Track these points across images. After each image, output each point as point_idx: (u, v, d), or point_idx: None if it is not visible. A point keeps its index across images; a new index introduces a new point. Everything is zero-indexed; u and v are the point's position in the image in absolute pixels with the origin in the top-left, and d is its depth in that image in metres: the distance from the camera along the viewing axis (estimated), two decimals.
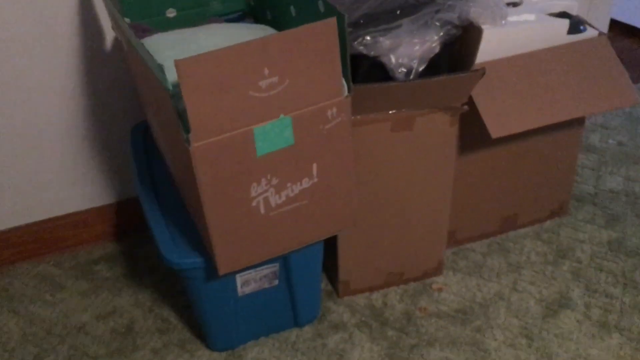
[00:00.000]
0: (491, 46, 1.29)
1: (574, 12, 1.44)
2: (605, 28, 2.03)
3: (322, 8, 1.04)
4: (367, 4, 1.17)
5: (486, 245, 1.57)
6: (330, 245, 1.34)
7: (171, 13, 1.38)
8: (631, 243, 1.55)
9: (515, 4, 1.45)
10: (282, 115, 0.97)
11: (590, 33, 1.38)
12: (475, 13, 1.15)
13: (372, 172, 1.26)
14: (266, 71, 0.91)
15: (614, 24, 2.67)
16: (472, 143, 1.37)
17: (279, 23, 1.27)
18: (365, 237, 1.35)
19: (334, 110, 1.01)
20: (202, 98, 0.88)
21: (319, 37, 0.94)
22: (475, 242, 1.59)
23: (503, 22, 1.17)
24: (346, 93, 1.01)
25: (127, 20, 1.34)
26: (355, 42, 1.12)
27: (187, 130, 0.89)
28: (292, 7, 1.18)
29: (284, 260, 1.18)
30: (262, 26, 1.28)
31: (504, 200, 1.54)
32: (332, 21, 0.94)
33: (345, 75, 1.00)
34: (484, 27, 1.18)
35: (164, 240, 1.12)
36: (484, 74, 1.15)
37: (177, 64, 0.83)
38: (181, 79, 0.84)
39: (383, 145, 1.23)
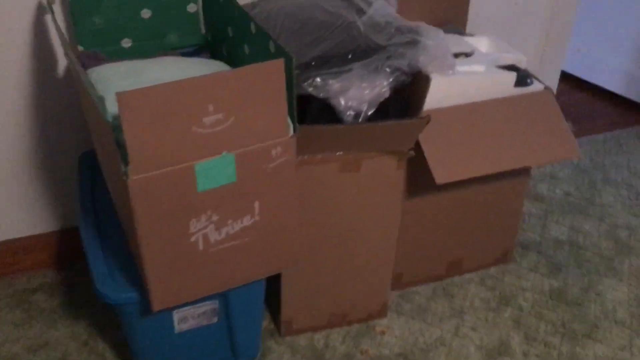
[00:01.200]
0: (440, 94, 1.33)
1: (522, 65, 1.49)
2: (555, 81, 2.10)
3: (272, 49, 1.05)
4: (321, 47, 1.19)
5: (431, 289, 1.58)
6: (274, 283, 1.33)
7: (127, 43, 1.38)
8: (572, 293, 1.58)
9: (467, 55, 1.49)
10: (225, 153, 0.97)
11: (536, 87, 1.43)
12: (424, 62, 1.18)
13: (318, 212, 1.27)
14: (211, 108, 0.91)
15: (567, 78, 2.77)
16: (419, 187, 1.39)
17: (234, 60, 1.28)
18: (309, 276, 1.34)
19: (279, 149, 1.02)
20: (143, 131, 0.87)
21: (266, 77, 0.95)
22: (420, 285, 1.60)
23: (451, 72, 1.20)
24: (291, 133, 1.02)
25: (81, 48, 1.33)
26: (306, 83, 1.13)
27: (126, 162, 0.88)
28: (245, 46, 1.20)
29: (224, 298, 1.17)
30: (217, 62, 1.29)
31: (450, 245, 1.56)
32: (280, 62, 0.95)
33: (291, 115, 1.01)
34: (432, 76, 1.21)
35: (100, 273, 1.10)
36: (429, 121, 1.18)
37: (119, 96, 0.82)
38: (122, 111, 0.84)
39: (330, 186, 1.24)
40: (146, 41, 1.39)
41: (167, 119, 0.88)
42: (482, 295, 1.57)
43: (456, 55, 1.49)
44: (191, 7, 1.40)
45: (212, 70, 1.23)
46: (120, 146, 0.89)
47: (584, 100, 2.63)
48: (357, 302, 1.44)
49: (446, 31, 1.64)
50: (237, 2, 1.19)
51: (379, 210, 1.32)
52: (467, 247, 1.59)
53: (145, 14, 1.36)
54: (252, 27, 1.12)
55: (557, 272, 1.65)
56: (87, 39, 1.33)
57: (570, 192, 1.97)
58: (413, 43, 1.19)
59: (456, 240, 1.56)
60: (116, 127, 0.88)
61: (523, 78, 1.42)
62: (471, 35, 1.64)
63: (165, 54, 1.37)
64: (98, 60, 1.30)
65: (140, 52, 1.37)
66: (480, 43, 1.58)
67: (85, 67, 1.23)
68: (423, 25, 1.23)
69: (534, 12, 1.87)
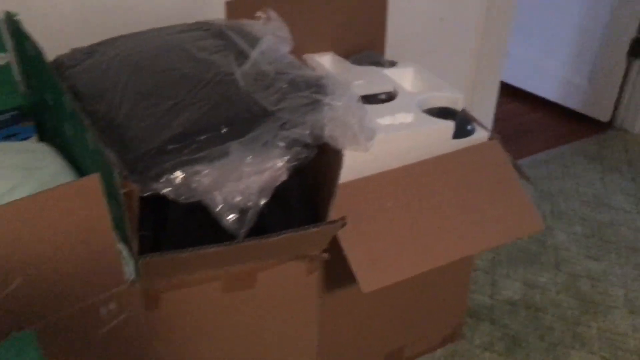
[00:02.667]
0: (359, 161, 0.98)
1: (459, 106, 1.16)
2: (494, 98, 1.80)
3: (91, 144, 0.67)
4: (181, 118, 0.81)
5: None
6: None
7: None
8: None
9: (389, 97, 1.16)
10: (14, 332, 0.59)
11: (479, 135, 1.11)
12: (331, 133, 0.83)
13: (205, 348, 0.90)
14: None
15: (501, 86, 2.50)
16: (341, 276, 1.04)
17: (59, 138, 0.89)
18: None
19: (112, 305, 0.65)
20: None
21: (75, 203, 0.58)
22: None
23: (370, 144, 0.86)
24: (131, 276, 0.64)
25: None
26: (159, 182, 0.75)
27: None
28: (66, 124, 0.81)
29: None
30: (35, 146, 0.89)
31: (387, 334, 1.23)
32: (93, 180, 0.57)
33: (131, 246, 0.64)
34: (345, 149, 0.86)
35: None
36: (344, 224, 0.83)
37: None
38: None
39: (211, 314, 0.87)
40: None
41: None
42: None
43: (375, 99, 1.15)
44: (0, 58, 0.98)
45: (27, 162, 0.83)
46: None
47: (520, 111, 2.37)
48: None
49: (361, 60, 1.30)
50: (46, 63, 0.80)
51: (288, 323, 0.96)
52: (408, 332, 1.26)
53: None
54: (66, 104, 0.74)
55: (515, 348, 1.35)
56: None
57: None
58: (313, 105, 0.84)
59: (394, 327, 1.23)
60: None
61: (462, 125, 1.10)
62: (392, 63, 1.30)
63: None
64: None
65: None
66: (404, 76, 1.25)
67: None
68: (326, 76, 0.88)
69: (463, 25, 1.55)
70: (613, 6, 2.05)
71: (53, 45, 1.01)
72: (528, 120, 2.30)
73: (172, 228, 0.81)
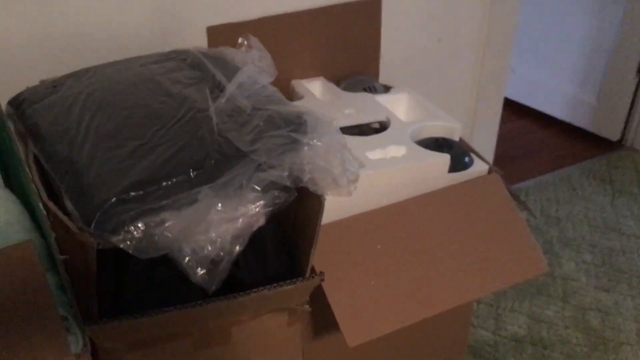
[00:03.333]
0: (346, 199, 0.91)
1: (456, 135, 1.09)
2: (497, 118, 1.72)
3: (34, 200, 0.61)
4: (144, 162, 0.75)
5: None
6: None
7: None
8: None
9: (381, 126, 1.09)
10: None
11: (477, 167, 1.03)
12: (311, 176, 0.75)
13: None
14: None
15: (507, 104, 2.43)
16: (332, 320, 0.97)
17: (16, 181, 0.82)
18: None
19: None
20: None
21: (13, 268, 0.51)
22: None
23: (353, 188, 0.78)
24: (79, 348, 0.57)
25: None
26: (117, 236, 0.68)
27: None
28: (20, 170, 0.74)
29: None
30: None
31: None
32: (29, 246, 0.51)
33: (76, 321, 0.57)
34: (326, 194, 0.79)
35: None
36: (322, 279, 0.76)
37: None
38: None
39: None
40: None
41: None
42: None
43: (367, 128, 1.09)
44: None
45: None
46: None
47: (523, 130, 2.29)
48: None
49: (353, 86, 1.23)
50: None
51: None
52: None
53: None
54: (15, 150, 0.67)
55: None
56: None
57: None
58: (291, 145, 0.77)
59: None
60: None
61: (459, 158, 1.02)
62: (387, 88, 1.23)
63: None
64: None
65: None
66: (398, 103, 1.18)
67: None
68: (307, 112, 0.81)
69: (462, 44, 1.48)
70: (621, 23, 1.97)
71: (21, 77, 0.95)
72: (535, 138, 2.22)
73: (134, 285, 0.74)
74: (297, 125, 0.79)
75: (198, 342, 0.78)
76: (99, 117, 0.81)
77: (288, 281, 0.74)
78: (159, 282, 0.75)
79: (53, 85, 0.90)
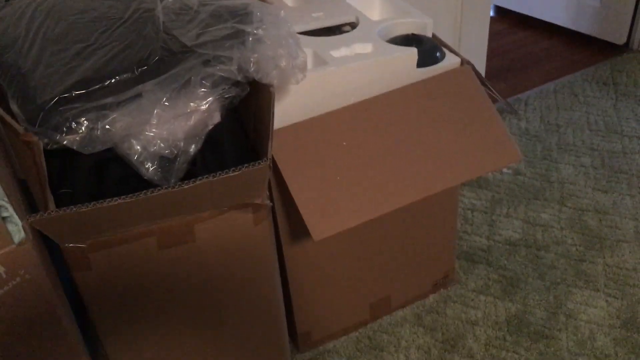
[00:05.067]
0: (312, 98, 0.90)
1: (427, 31, 1.06)
2: (485, 23, 1.65)
3: None
4: (88, 63, 0.74)
5: (353, 343, 1.19)
6: None
7: None
8: (535, 320, 1.20)
9: (351, 26, 1.06)
10: None
11: (449, 61, 1.00)
12: (258, 67, 0.74)
13: (147, 310, 0.84)
14: None
15: (502, 14, 2.35)
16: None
17: None
18: None
19: (1, 269, 0.59)
20: None
21: None
22: (338, 339, 1.20)
23: (301, 76, 0.76)
24: (20, 237, 0.58)
25: None
26: (61, 133, 0.68)
27: None
28: None
29: None
30: None
31: (370, 283, 1.16)
32: None
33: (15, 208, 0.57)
34: (274, 84, 0.77)
35: None
36: (269, 166, 0.75)
37: None
38: None
39: (150, 270, 0.81)
40: None
41: None
42: (420, 340, 1.18)
43: (338, 30, 1.06)
44: None
45: None
46: None
47: (527, 40, 2.21)
48: None
49: None
50: None
51: (239, 283, 0.90)
52: (393, 280, 1.19)
53: None
54: None
55: (513, 290, 1.26)
56: None
57: (520, 169, 1.57)
58: (237, 38, 0.75)
59: (377, 275, 1.16)
60: None
61: (429, 53, 0.99)
62: None
63: None
64: None
65: None
66: (370, 4, 1.14)
67: None
68: (253, 4, 0.78)
69: None
70: None
71: None
72: (537, 49, 2.15)
73: (88, 184, 0.75)
74: (242, 16, 0.77)
75: (162, 241, 0.79)
76: (47, 25, 0.81)
77: (235, 168, 0.73)
78: (114, 183, 0.76)
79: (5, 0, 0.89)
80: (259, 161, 0.74)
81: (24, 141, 0.67)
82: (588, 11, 2.08)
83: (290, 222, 0.97)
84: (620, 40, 2.04)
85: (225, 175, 0.72)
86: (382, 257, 1.13)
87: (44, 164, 0.69)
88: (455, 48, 1.58)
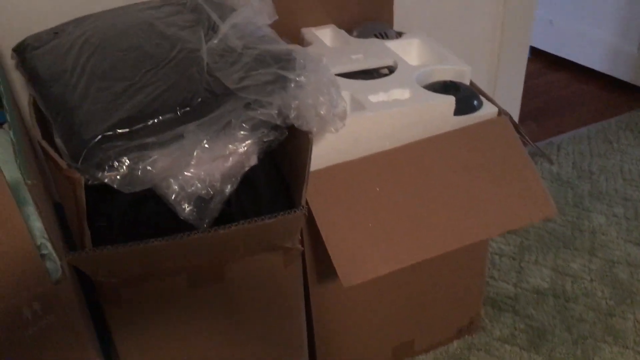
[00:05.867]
0: (346, 143, 0.90)
1: (466, 78, 1.06)
2: (523, 62, 1.64)
3: (14, 134, 0.62)
4: (133, 101, 0.75)
5: None
6: None
7: None
8: None
9: (389, 70, 1.06)
10: None
11: (487, 111, 1.00)
12: (298, 113, 0.74)
13: (174, 346, 0.85)
14: None
15: (538, 55, 2.34)
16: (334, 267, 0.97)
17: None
18: None
19: (36, 306, 0.60)
20: None
21: None
22: None
23: (341, 125, 0.77)
24: (58, 275, 0.59)
25: None
26: (102, 171, 0.70)
27: None
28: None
29: None
30: None
31: (394, 326, 1.15)
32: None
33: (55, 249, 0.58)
34: (313, 131, 0.78)
35: None
36: (305, 214, 0.75)
37: None
38: None
39: (180, 308, 0.81)
40: None
41: None
42: None
43: (376, 73, 1.06)
44: None
45: None
46: None
47: (561, 83, 2.20)
48: None
49: (365, 32, 1.21)
50: None
51: (266, 323, 0.90)
52: (418, 324, 1.17)
53: None
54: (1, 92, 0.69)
55: (540, 341, 1.24)
56: None
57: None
58: (279, 83, 0.76)
59: (402, 318, 1.15)
60: None
61: (466, 101, 0.99)
62: (399, 34, 1.20)
63: None
64: None
65: None
66: (409, 49, 1.15)
67: None
68: (296, 50, 0.79)
69: None
70: None
71: (25, 26, 0.97)
72: (573, 92, 2.14)
73: (126, 222, 0.76)
74: (285, 62, 0.78)
75: (192, 279, 0.80)
76: (94, 60, 0.83)
77: (270, 215, 0.74)
78: (150, 220, 0.77)
79: (54, 32, 0.92)
80: (295, 209, 0.74)
81: (67, 177, 0.69)
82: (625, 57, 2.06)
83: (317, 262, 0.97)
84: None
85: (260, 223, 0.72)
86: (409, 301, 1.12)
87: (84, 200, 0.70)
88: (491, 90, 1.58)
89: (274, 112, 0.76)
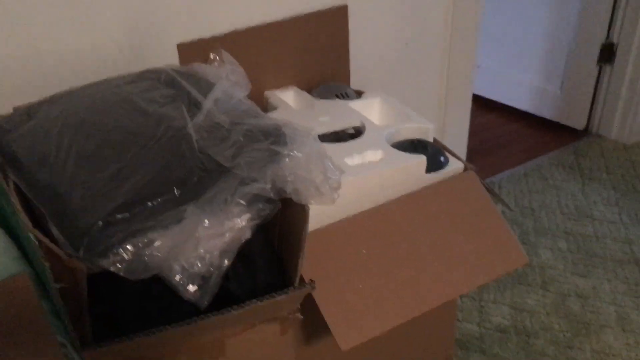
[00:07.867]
0: (326, 207, 0.93)
1: (429, 136, 1.12)
2: (467, 110, 1.74)
3: (22, 229, 0.61)
4: (128, 184, 0.75)
5: None
6: None
7: None
8: None
9: (356, 132, 1.10)
10: None
11: (453, 166, 1.06)
12: (294, 187, 0.77)
13: None
14: None
15: (474, 99, 2.47)
16: (322, 324, 0.98)
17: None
18: None
19: None
20: None
21: (7, 299, 0.51)
22: None
23: (336, 195, 0.80)
24: None
25: None
26: (107, 259, 0.69)
27: None
28: (3, 200, 0.74)
29: None
30: None
31: None
32: (24, 278, 0.51)
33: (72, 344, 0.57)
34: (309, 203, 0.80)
35: None
36: (313, 287, 0.77)
37: None
38: None
39: None
40: None
41: None
42: None
43: (343, 134, 1.10)
44: None
45: None
46: None
47: (493, 124, 2.33)
48: None
49: (326, 93, 1.25)
50: None
51: None
52: None
53: None
54: None
55: None
56: None
57: None
58: (272, 158, 0.78)
59: None
60: None
61: (434, 158, 1.05)
62: (359, 93, 1.25)
63: None
64: None
65: None
66: (371, 108, 1.20)
67: None
68: (285, 125, 0.82)
69: (429, 46, 1.51)
70: (580, 12, 2.03)
71: None
72: (504, 132, 2.27)
73: (127, 305, 0.75)
74: (276, 137, 0.80)
75: (193, 357, 0.79)
76: (78, 141, 0.81)
77: (280, 292, 0.75)
78: (151, 301, 0.76)
79: (27, 113, 0.90)
80: (293, 287, 0.76)
81: (69, 268, 0.67)
82: (549, 98, 2.22)
83: (306, 324, 0.98)
84: (580, 125, 2.18)
85: (260, 304, 0.73)
86: (383, 347, 1.14)
87: (86, 290, 0.68)
88: (440, 135, 1.66)
89: (268, 186, 0.78)
